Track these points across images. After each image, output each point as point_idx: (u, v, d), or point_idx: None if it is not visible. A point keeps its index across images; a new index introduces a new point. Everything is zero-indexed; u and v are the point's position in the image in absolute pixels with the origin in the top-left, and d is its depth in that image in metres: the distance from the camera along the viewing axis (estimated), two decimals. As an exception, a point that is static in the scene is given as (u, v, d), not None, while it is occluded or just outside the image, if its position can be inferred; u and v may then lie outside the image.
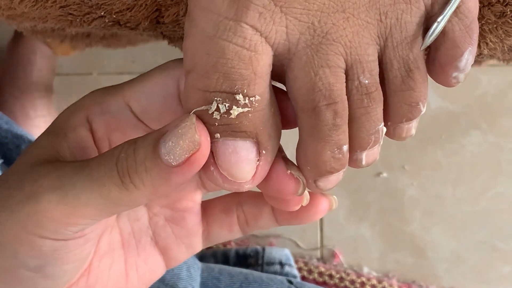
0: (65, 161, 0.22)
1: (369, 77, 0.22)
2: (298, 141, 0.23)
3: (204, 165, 0.21)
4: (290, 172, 0.22)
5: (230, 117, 0.20)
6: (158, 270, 0.28)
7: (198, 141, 0.20)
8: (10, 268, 0.22)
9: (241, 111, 0.21)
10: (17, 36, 0.75)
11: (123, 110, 0.24)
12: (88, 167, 0.21)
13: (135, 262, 0.27)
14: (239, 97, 0.20)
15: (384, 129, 0.23)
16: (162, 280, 0.40)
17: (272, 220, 0.28)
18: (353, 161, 0.23)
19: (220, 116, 0.21)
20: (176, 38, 0.30)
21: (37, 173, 0.21)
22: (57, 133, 0.23)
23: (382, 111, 0.23)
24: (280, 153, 0.23)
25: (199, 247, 0.29)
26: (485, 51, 0.28)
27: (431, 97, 0.81)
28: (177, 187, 0.21)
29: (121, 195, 0.21)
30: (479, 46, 0.27)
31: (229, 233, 0.28)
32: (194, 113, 0.21)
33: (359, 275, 0.77)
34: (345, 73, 0.22)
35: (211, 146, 0.21)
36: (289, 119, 0.23)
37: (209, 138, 0.20)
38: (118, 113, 0.24)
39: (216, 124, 0.21)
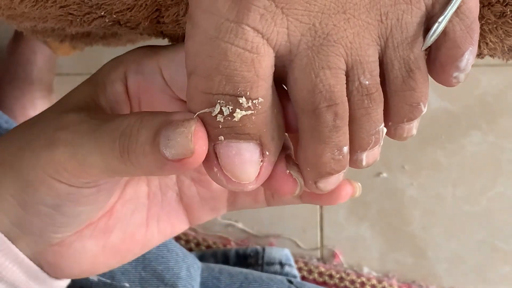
0: (98, 109, 0.24)
1: (370, 77, 0.22)
2: (299, 142, 0.23)
3: (208, 166, 0.21)
4: (289, 172, 0.23)
5: (234, 120, 0.20)
6: (180, 225, 0.29)
7: (192, 150, 0.20)
8: (32, 203, 0.23)
9: (244, 114, 0.21)
10: (17, 36, 0.75)
11: (155, 73, 0.25)
12: (97, 131, 0.22)
13: (157, 214, 0.28)
14: (242, 100, 0.20)
15: (385, 129, 0.23)
16: (162, 280, 0.40)
17: (297, 197, 0.28)
18: (354, 161, 0.23)
19: (224, 118, 0.20)
20: (176, 37, 0.30)
21: (61, 122, 0.23)
22: (97, 83, 0.25)
23: (382, 112, 0.23)
24: (284, 151, 0.23)
25: (223, 210, 0.29)
26: (485, 51, 0.28)
27: (431, 97, 0.81)
28: (172, 175, 0.21)
29: (119, 166, 0.21)
30: (479, 46, 0.27)
31: (254, 202, 0.29)
32: (197, 115, 0.21)
33: (359, 275, 0.77)
34: (345, 74, 0.22)
35: (214, 148, 0.21)
36: (290, 122, 0.23)
37: (205, 147, 0.21)
38: (149, 76, 0.25)
39: (220, 126, 0.21)
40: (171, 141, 0.20)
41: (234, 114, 0.20)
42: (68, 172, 0.22)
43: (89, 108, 0.24)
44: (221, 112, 0.20)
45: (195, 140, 0.20)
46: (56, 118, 0.23)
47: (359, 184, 0.27)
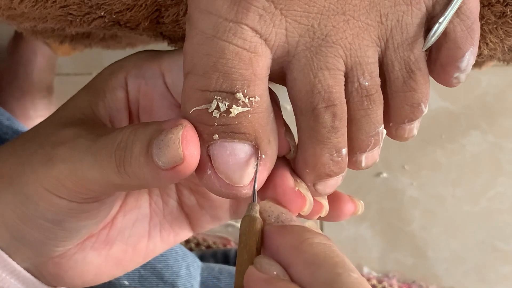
0: (96, 121, 0.24)
1: (369, 79, 0.22)
2: (297, 144, 0.23)
3: (200, 169, 0.21)
4: (298, 190, 0.22)
5: (230, 115, 0.20)
6: (183, 233, 0.29)
7: (181, 156, 0.20)
8: (32, 217, 0.23)
9: (241, 110, 0.20)
10: (18, 36, 0.75)
11: (156, 78, 0.24)
12: (95, 146, 0.22)
13: (159, 223, 0.28)
14: (239, 95, 0.20)
15: (384, 131, 0.23)
16: (161, 278, 0.40)
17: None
18: (353, 163, 0.23)
19: (220, 115, 0.20)
20: (176, 38, 0.30)
21: (59, 136, 0.23)
22: (96, 92, 0.25)
23: (382, 114, 0.23)
24: (288, 167, 0.23)
25: (225, 218, 0.29)
26: (485, 51, 0.28)
27: (431, 97, 0.80)
28: (170, 184, 0.21)
29: (117, 180, 0.21)
30: (479, 46, 0.27)
31: None
32: (193, 111, 0.21)
33: (359, 275, 0.77)
34: (345, 75, 0.22)
35: (208, 150, 0.21)
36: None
37: (196, 151, 0.20)
38: (151, 80, 0.24)
39: (215, 123, 0.21)
40: (161, 150, 0.20)
41: (231, 110, 0.20)
42: (67, 188, 0.22)
43: (86, 121, 0.24)
44: (217, 107, 0.20)
45: (184, 145, 0.20)
46: (54, 132, 0.23)
47: (362, 202, 0.27)
